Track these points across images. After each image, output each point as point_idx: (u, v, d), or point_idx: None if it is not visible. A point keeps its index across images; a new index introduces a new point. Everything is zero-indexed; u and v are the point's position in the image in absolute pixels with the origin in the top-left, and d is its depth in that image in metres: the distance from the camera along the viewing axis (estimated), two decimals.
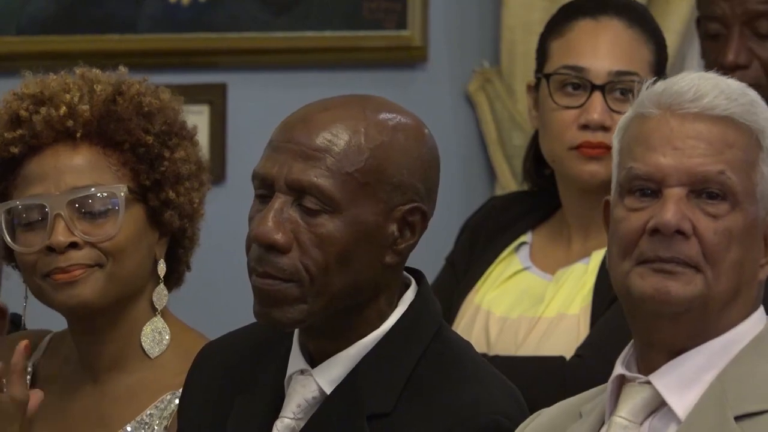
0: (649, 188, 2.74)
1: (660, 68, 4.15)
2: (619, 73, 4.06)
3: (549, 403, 3.16)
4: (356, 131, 3.02)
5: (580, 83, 4.10)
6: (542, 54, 4.27)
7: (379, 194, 3.01)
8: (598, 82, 4.02)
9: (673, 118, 2.79)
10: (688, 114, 2.78)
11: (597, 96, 3.97)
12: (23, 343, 3.26)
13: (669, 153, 2.77)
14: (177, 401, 3.27)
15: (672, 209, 2.72)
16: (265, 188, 2.99)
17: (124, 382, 3.40)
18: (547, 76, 4.15)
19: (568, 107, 4.04)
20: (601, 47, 4.24)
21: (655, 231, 2.70)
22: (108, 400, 3.42)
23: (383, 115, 3.07)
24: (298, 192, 2.95)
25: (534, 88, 4.21)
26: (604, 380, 2.94)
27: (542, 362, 3.95)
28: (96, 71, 3.46)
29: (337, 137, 3.01)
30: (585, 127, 3.82)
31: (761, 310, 2.83)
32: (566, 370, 3.73)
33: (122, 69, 3.48)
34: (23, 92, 3.41)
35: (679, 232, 2.71)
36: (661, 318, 2.73)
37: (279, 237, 2.95)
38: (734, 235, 2.78)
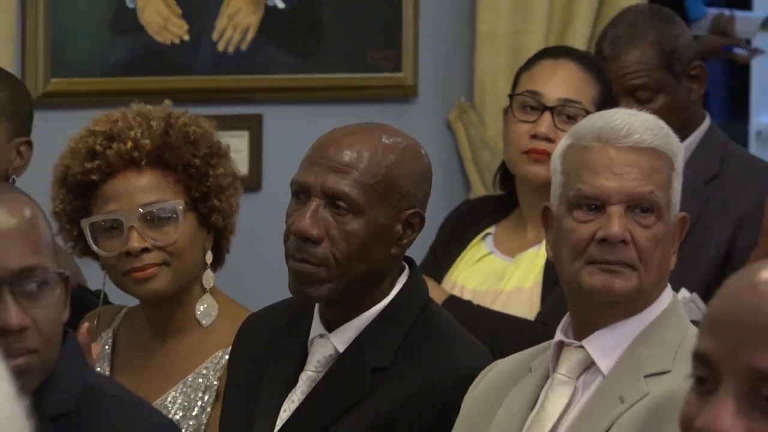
0: (594, 204, 2.89)
1: (603, 105, 4.08)
2: (567, 100, 4.05)
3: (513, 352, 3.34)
4: (375, 152, 3.17)
5: (536, 105, 4.08)
6: (515, 83, 4.24)
7: (391, 201, 3.17)
8: (549, 104, 4.03)
9: (612, 150, 2.94)
10: (622, 147, 2.94)
11: (547, 115, 4.00)
12: (85, 326, 3.34)
13: (611, 178, 2.91)
14: (227, 357, 3.36)
15: (617, 223, 2.86)
16: (302, 193, 3.13)
17: (184, 345, 3.46)
18: (512, 96, 4.16)
19: (524, 121, 4.06)
20: (556, 79, 4.20)
21: (604, 240, 2.86)
22: (173, 358, 3.48)
23: (394, 139, 3.23)
24: (331, 197, 3.10)
25: (506, 111, 4.13)
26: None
27: (518, 322, 3.98)
28: (149, 107, 3.50)
29: (361, 156, 3.15)
30: (534, 137, 3.85)
31: (668, 287, 2.97)
32: (536, 331, 3.76)
33: (167, 103, 3.54)
34: (96, 129, 3.44)
35: (623, 241, 2.88)
36: (604, 305, 2.88)
37: (315, 231, 3.09)
38: (659, 239, 2.95)
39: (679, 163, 3.03)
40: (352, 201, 3.12)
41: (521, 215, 4.16)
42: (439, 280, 4.15)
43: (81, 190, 3.42)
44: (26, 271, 2.58)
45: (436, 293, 3.82)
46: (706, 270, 4.04)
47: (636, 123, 3.03)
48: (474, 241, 4.19)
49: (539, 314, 3.97)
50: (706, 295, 3.94)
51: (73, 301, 3.40)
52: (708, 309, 2.06)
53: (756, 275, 1.98)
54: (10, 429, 1.59)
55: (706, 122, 4.47)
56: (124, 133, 3.38)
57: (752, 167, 4.57)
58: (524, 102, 4.12)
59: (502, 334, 3.85)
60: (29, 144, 3.71)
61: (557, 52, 4.50)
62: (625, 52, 4.40)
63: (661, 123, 3.08)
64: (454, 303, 3.86)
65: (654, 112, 3.97)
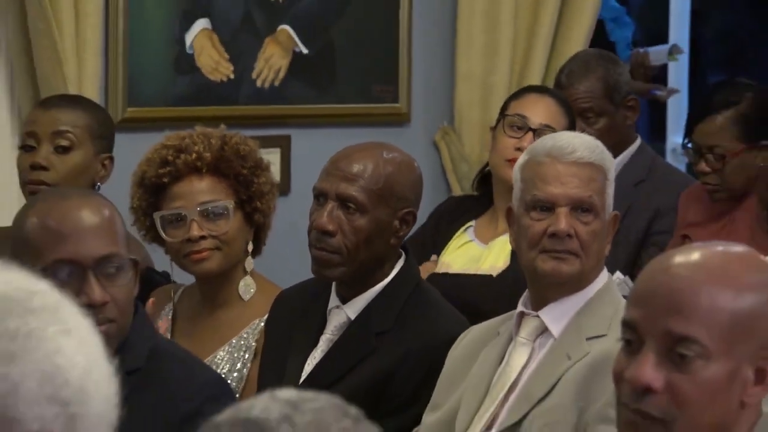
0: (546, 206, 2.93)
1: (569, 129, 4.00)
2: (546, 125, 3.98)
3: (482, 303, 3.67)
4: (377, 164, 3.21)
5: (522, 125, 4.02)
6: (504, 107, 4.17)
7: (389, 203, 3.21)
8: (533, 126, 3.98)
9: (559, 164, 2.96)
10: (567, 162, 2.97)
11: (530, 134, 3.95)
12: (152, 300, 3.48)
13: (558, 186, 2.94)
14: (263, 324, 3.38)
15: (564, 221, 2.90)
16: (321, 196, 3.19)
17: (230, 314, 3.46)
18: (504, 116, 4.09)
19: (511, 137, 4.01)
20: (539, 109, 4.12)
21: (553, 234, 2.91)
22: (220, 325, 3.47)
23: (392, 155, 3.28)
24: (343, 200, 3.16)
25: (493, 129, 4.13)
26: (517, 285, 3.28)
27: (482, 277, 3.96)
28: (209, 129, 3.52)
29: (366, 168, 3.20)
30: (518, 149, 3.75)
31: (605, 270, 3.02)
32: (488, 281, 3.85)
33: (223, 126, 3.55)
34: (168, 144, 3.45)
35: (568, 235, 2.91)
36: (554, 284, 2.93)
37: (330, 227, 3.16)
38: (597, 233, 2.97)
39: (612, 174, 3.05)
40: (359, 203, 3.17)
41: (494, 211, 4.08)
42: (425, 257, 4.09)
43: (154, 190, 3.43)
44: (106, 258, 2.61)
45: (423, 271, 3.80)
46: (630, 250, 4.07)
47: (577, 143, 3.04)
48: (459, 232, 4.15)
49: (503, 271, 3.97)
50: (630, 268, 4.02)
51: (143, 281, 3.44)
52: (633, 286, 2.19)
53: (669, 261, 2.07)
54: (104, 384, 1.56)
55: (637, 142, 4.48)
56: (189, 148, 3.39)
57: (670, 175, 4.57)
58: (513, 122, 4.06)
59: (469, 286, 3.91)
60: (111, 159, 3.72)
61: (541, 89, 4.44)
62: (578, 82, 4.38)
63: (598, 143, 3.09)
64: (435, 277, 3.86)
65: (596, 130, 4.06)
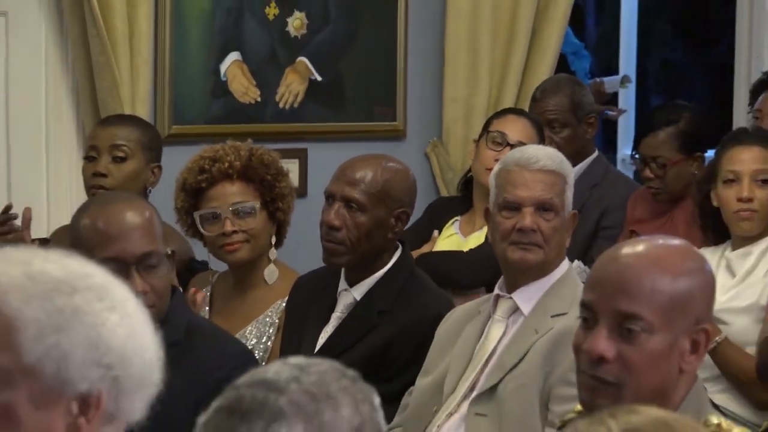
0: (514, 207, 2.92)
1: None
2: (521, 142, 3.88)
3: (454, 273, 3.79)
4: (376, 172, 3.20)
5: (502, 141, 3.97)
6: (487, 124, 4.13)
7: (386, 204, 3.19)
8: (512, 142, 3.90)
9: (526, 172, 2.95)
10: (532, 170, 2.95)
11: (507, 148, 3.83)
12: (193, 290, 3.42)
13: (525, 190, 2.93)
14: (284, 304, 3.36)
15: (529, 219, 2.90)
16: (330, 198, 3.19)
17: (257, 296, 3.44)
18: (488, 132, 4.04)
19: (492, 150, 3.94)
20: (517, 128, 4.06)
21: (520, 229, 2.90)
22: (249, 305, 3.46)
23: (390, 164, 3.27)
24: (347, 201, 3.16)
25: (476, 141, 4.10)
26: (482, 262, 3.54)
27: (455, 252, 3.95)
28: (238, 143, 3.49)
29: (366, 174, 3.19)
30: (496, 160, 3.60)
31: (566, 259, 3.02)
32: (464, 254, 3.90)
33: (250, 140, 3.53)
34: (205, 155, 3.43)
35: (533, 230, 2.91)
36: (521, 271, 2.93)
37: (337, 222, 3.15)
38: (557, 228, 2.96)
39: (571, 179, 3.03)
40: (360, 203, 3.16)
41: (474, 210, 4.04)
42: (420, 243, 4.08)
43: (193, 194, 3.41)
44: (146, 254, 2.61)
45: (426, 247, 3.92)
46: (583, 240, 4.00)
47: (542, 154, 3.02)
48: (447, 224, 4.12)
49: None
50: (584, 256, 3.99)
51: (186, 268, 3.39)
52: (590, 273, 2.17)
53: (618, 252, 2.10)
54: (144, 352, 1.63)
55: (595, 153, 4.44)
56: (222, 158, 3.37)
57: (619, 180, 4.54)
58: (494, 137, 4.01)
59: (450, 260, 3.90)
60: (159, 167, 3.73)
61: (519, 111, 4.38)
62: (549, 97, 4.33)
63: (559, 154, 3.08)
64: (422, 257, 3.83)
65: (561, 138, 4.14)
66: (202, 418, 1.48)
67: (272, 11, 4.61)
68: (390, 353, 3.07)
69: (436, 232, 4.07)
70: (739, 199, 3.35)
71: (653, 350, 1.98)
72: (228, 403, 1.45)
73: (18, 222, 3.47)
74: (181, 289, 3.13)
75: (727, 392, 3.17)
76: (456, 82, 4.84)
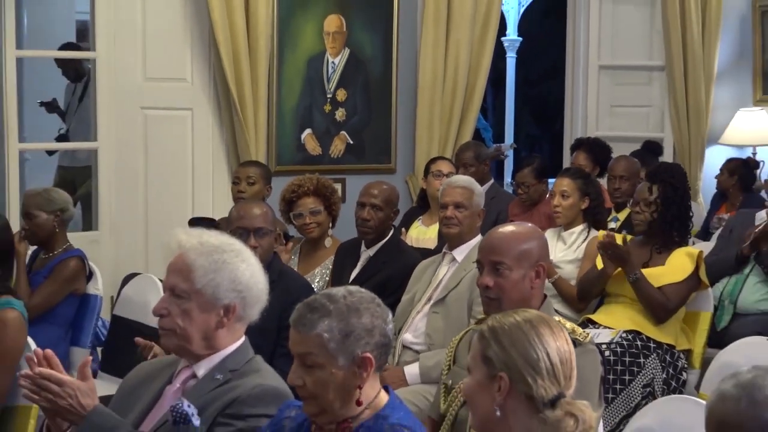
0: (444, 206, 2.82)
1: (456, 173, 3.78)
2: (450, 173, 3.72)
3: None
4: (381, 190, 3.11)
5: (439, 174, 3.75)
6: (428, 165, 3.92)
7: (390, 206, 3.11)
8: (444, 173, 3.74)
9: (451, 188, 2.86)
10: (454, 186, 2.86)
11: (443, 177, 3.61)
12: (289, 244, 3.21)
13: (450, 198, 2.82)
14: (334, 258, 3.18)
15: (450, 211, 2.78)
16: (360, 204, 3.10)
17: (320, 254, 3.25)
18: (431, 170, 3.84)
19: (436, 179, 3.71)
20: (445, 166, 3.88)
21: (446, 217, 2.78)
22: (315, 258, 3.26)
23: (388, 186, 3.18)
24: (371, 206, 3.06)
25: (425, 177, 3.90)
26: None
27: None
28: (311, 175, 3.33)
29: (380, 191, 3.11)
30: (439, 183, 3.56)
31: (479, 235, 2.72)
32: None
33: (317, 174, 3.38)
34: (294, 182, 3.29)
35: (453, 216, 2.78)
36: (448, 238, 2.78)
37: (367, 216, 3.06)
38: (468, 217, 2.80)
39: (478, 190, 2.88)
40: (378, 207, 3.08)
41: (431, 212, 3.79)
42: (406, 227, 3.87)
43: (289, 202, 3.28)
44: (258, 228, 2.54)
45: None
46: (490, 225, 3.88)
47: (461, 179, 2.96)
48: (415, 222, 3.88)
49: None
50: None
51: (285, 237, 3.38)
52: (480, 242, 2.12)
53: (495, 230, 2.02)
54: (259, 284, 1.63)
55: (491, 180, 4.34)
56: (304, 184, 3.27)
57: (505, 195, 4.45)
58: (436, 174, 3.81)
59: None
60: (271, 188, 3.65)
61: (445, 158, 4.20)
62: (464, 152, 4.18)
63: (471, 179, 2.99)
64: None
65: (470, 173, 3.84)
66: (294, 314, 1.41)
67: (327, 107, 4.59)
68: (389, 283, 2.94)
69: (403, 230, 3.78)
70: (554, 205, 3.27)
71: (513, 279, 1.91)
72: (308, 301, 1.43)
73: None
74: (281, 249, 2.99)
75: (561, 304, 3.07)
76: (422, 144, 4.72)
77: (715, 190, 4.49)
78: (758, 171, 4.66)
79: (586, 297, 3.02)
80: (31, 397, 1.41)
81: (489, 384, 1.22)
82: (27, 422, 1.87)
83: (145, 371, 1.66)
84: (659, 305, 2.71)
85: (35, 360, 1.42)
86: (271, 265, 2.50)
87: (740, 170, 4.25)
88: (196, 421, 1.41)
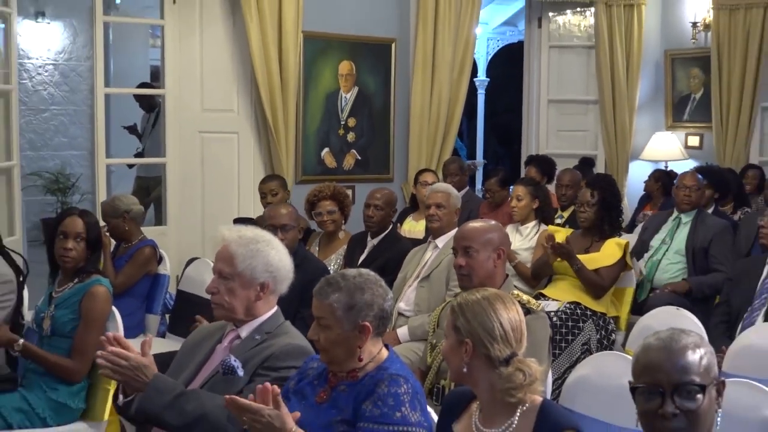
0: (428, 206, 2.70)
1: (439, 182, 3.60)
2: (434, 182, 3.50)
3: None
4: (383, 194, 3.02)
5: (425, 183, 3.58)
6: (417, 175, 3.81)
7: (389, 207, 3.02)
8: (429, 183, 3.53)
9: (434, 192, 2.76)
10: (435, 191, 2.77)
11: (428, 185, 3.30)
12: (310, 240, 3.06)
13: (432, 200, 2.73)
14: (346, 247, 3.04)
15: (432, 209, 2.67)
16: (367, 206, 2.95)
17: (335, 243, 3.09)
18: (419, 180, 3.67)
19: (423, 187, 3.52)
20: (430, 177, 3.74)
21: (431, 214, 2.67)
22: (332, 247, 3.11)
23: (388, 191, 3.08)
24: (373, 207, 2.97)
25: (414, 185, 3.77)
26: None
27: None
28: (328, 183, 3.18)
29: (382, 195, 3.01)
30: (425, 189, 3.41)
31: (456, 227, 2.54)
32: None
33: (334, 183, 3.19)
34: (315, 189, 3.15)
35: (434, 214, 2.67)
36: (431, 231, 2.67)
37: (371, 214, 2.96)
38: (446, 214, 2.69)
39: (455, 194, 2.80)
40: (380, 207, 3.01)
41: (420, 210, 3.64)
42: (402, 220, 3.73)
43: (311, 204, 3.17)
44: (284, 224, 2.44)
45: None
46: (464, 221, 3.81)
47: (442, 186, 2.87)
48: (407, 218, 3.78)
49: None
50: None
51: (306, 231, 3.18)
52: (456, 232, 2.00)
53: (467, 224, 1.95)
54: (286, 266, 1.59)
55: (467, 187, 4.26)
56: (323, 190, 3.16)
57: (477, 199, 4.38)
58: (423, 183, 3.69)
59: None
60: (289, 192, 3.56)
61: (430, 170, 4.07)
62: (448, 167, 4.09)
63: (450, 186, 2.89)
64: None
65: (451, 182, 3.75)
66: (316, 286, 1.39)
67: (341, 131, 4.52)
68: (388, 265, 2.84)
69: (399, 225, 3.64)
70: (512, 206, 3.23)
71: (480, 259, 1.87)
72: (328, 277, 1.40)
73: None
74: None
75: (520, 282, 3.01)
76: (413, 160, 4.65)
77: (643, 192, 4.45)
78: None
79: (538, 277, 3.01)
80: (106, 372, 1.42)
81: (458, 347, 1.24)
82: None
83: (201, 334, 1.67)
84: (597, 285, 2.73)
85: (109, 341, 1.43)
86: (297, 252, 2.47)
87: (664, 178, 4.24)
88: (240, 372, 1.44)
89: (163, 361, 1.62)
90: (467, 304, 1.26)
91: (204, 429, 1.38)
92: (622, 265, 2.76)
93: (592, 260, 2.75)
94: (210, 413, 1.38)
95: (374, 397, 1.26)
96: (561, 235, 2.87)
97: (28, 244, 4.04)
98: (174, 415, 1.39)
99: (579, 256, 2.75)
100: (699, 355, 1.02)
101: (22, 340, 1.91)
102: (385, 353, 1.38)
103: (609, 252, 2.77)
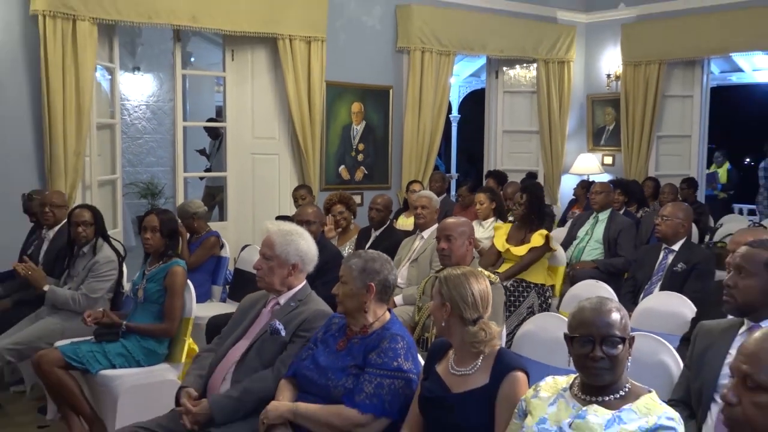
0: (414, 207, 2.47)
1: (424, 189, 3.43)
2: (420, 190, 3.32)
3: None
4: (384, 199, 2.81)
5: (413, 191, 3.33)
6: (408, 185, 3.47)
7: (388, 209, 2.80)
8: (417, 191, 3.31)
9: (419, 198, 2.55)
10: (420, 196, 2.57)
11: (416, 193, 2.99)
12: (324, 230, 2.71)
13: (418, 202, 2.54)
14: (356, 237, 2.84)
15: (419, 210, 2.45)
16: (371, 209, 2.78)
17: (348, 235, 2.88)
18: (410, 189, 3.41)
19: (413, 193, 3.22)
20: (417, 186, 3.50)
21: (416, 213, 2.46)
22: (346, 237, 2.91)
23: (387, 195, 2.83)
24: (377, 209, 2.73)
25: (407, 192, 3.52)
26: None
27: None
28: (342, 192, 3.00)
29: (384, 199, 2.78)
30: (413, 195, 3.25)
31: (436, 223, 2.39)
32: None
33: (340, 191, 2.92)
34: (329, 197, 2.88)
35: (420, 214, 2.50)
36: (419, 226, 2.45)
37: (374, 215, 2.75)
38: (430, 213, 2.52)
39: (436, 199, 2.64)
40: (380, 209, 2.85)
41: (410, 210, 3.38)
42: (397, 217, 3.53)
43: (327, 207, 2.98)
44: (309, 220, 2.23)
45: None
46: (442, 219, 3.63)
47: (425, 193, 2.71)
48: (402, 216, 3.60)
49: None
50: None
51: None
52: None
53: (446, 220, 1.85)
54: (312, 253, 1.50)
55: (445, 194, 4.13)
56: (335, 197, 2.99)
57: (452, 202, 4.22)
58: (412, 191, 3.51)
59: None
60: (314, 196, 3.43)
61: (418, 181, 3.84)
62: (434, 177, 3.90)
63: (431, 193, 2.71)
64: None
65: (438, 188, 3.60)
66: (345, 256, 1.38)
67: (353, 153, 4.39)
68: (387, 250, 2.39)
69: (395, 221, 3.44)
70: (477, 208, 3.22)
71: (456, 244, 1.83)
72: (355, 252, 1.38)
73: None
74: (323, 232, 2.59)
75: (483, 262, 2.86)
76: (405, 174, 4.50)
77: (572, 197, 4.51)
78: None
79: (492, 261, 2.93)
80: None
81: (441, 308, 1.27)
82: (188, 327, 2.00)
83: (250, 300, 1.66)
84: (527, 265, 2.68)
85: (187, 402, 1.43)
86: (320, 240, 2.28)
87: (587, 187, 4.19)
88: (283, 333, 1.48)
89: (225, 320, 1.66)
90: (450, 277, 1.27)
91: (261, 400, 1.40)
92: (545, 248, 2.73)
93: (525, 248, 2.72)
94: (257, 390, 1.41)
95: (379, 350, 1.29)
96: (504, 229, 2.81)
97: (135, 234, 4.29)
98: (243, 407, 1.41)
99: (516, 247, 2.70)
100: (620, 315, 1.05)
101: (125, 323, 1.97)
102: (388, 316, 1.39)
103: (535, 241, 2.74)
